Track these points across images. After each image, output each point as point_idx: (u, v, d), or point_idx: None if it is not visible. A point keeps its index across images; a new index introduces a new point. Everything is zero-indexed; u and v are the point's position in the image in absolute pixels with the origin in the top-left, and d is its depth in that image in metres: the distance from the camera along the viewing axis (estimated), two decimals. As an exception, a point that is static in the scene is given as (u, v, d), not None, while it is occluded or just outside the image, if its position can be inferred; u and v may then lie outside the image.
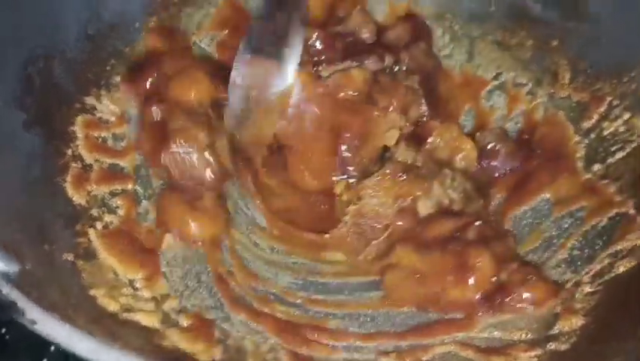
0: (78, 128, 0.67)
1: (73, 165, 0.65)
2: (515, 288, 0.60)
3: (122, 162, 0.69)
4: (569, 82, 0.75)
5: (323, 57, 0.73)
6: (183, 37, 0.79)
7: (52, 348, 0.65)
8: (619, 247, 0.61)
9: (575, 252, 0.64)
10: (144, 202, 0.68)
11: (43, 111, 0.64)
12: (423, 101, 0.73)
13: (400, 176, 0.67)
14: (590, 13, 0.74)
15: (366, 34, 0.77)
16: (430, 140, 0.71)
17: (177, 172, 0.68)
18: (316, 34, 0.74)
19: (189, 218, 0.65)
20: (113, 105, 0.72)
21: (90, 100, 0.70)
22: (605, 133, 0.70)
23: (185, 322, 0.57)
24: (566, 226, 0.67)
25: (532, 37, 0.79)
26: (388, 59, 0.74)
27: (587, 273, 0.61)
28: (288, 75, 0.69)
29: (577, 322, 0.57)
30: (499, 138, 0.73)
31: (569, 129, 0.73)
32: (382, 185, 0.67)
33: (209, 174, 0.68)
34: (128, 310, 0.53)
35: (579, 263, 0.63)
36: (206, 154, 0.68)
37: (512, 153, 0.73)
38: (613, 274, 0.59)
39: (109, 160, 0.68)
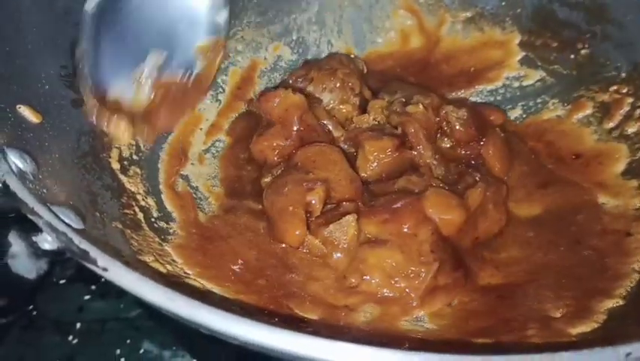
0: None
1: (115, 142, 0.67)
2: None
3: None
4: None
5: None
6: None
7: (79, 325, 0.67)
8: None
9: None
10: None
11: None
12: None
13: None
14: (615, 17, 0.77)
15: None
16: None
17: None
18: None
19: None
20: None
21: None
22: (629, 132, 0.73)
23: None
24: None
25: (557, 39, 0.82)
26: None
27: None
28: None
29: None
30: None
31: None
32: None
33: None
34: (176, 276, 0.55)
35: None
36: None
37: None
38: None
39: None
